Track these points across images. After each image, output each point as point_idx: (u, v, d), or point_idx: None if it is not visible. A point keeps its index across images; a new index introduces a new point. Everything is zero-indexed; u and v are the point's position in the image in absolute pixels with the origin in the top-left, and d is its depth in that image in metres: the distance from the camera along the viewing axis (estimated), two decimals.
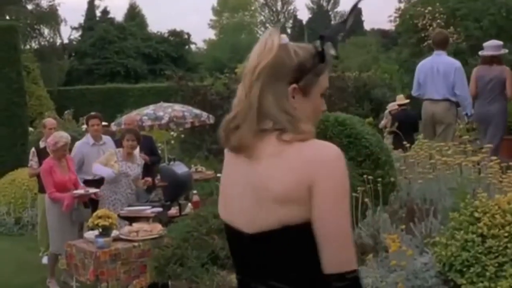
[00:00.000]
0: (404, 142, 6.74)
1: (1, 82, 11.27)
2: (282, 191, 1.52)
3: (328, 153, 1.55)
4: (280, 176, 1.53)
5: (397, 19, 26.40)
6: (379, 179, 4.59)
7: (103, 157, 6.78)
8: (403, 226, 3.89)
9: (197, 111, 11.04)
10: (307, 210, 1.51)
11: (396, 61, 25.89)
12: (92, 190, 6.64)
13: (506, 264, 3.38)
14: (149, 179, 6.82)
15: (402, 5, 26.61)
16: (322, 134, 4.94)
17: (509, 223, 3.51)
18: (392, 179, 4.95)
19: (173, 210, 6.73)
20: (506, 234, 3.48)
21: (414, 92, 7.56)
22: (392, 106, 12.12)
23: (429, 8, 24.28)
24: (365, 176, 4.56)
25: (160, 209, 6.23)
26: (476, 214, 3.62)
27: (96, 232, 5.50)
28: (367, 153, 4.99)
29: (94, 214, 5.54)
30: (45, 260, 7.74)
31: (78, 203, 6.63)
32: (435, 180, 4.71)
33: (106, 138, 7.67)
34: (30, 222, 9.71)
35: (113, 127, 10.07)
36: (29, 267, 7.82)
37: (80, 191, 6.54)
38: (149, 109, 10.37)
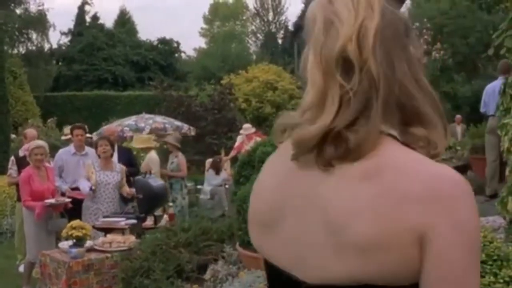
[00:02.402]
0: None
1: None
2: (373, 234, 0.99)
3: (454, 183, 1.02)
4: (392, 204, 1.00)
5: None
6: None
7: (86, 172, 6.93)
8: None
9: (178, 123, 11.20)
10: (407, 264, 1.00)
11: None
12: (62, 199, 6.75)
13: None
14: (133, 190, 6.94)
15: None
16: (249, 163, 4.98)
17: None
18: None
19: (149, 222, 6.86)
20: None
21: (481, 109, 8.47)
22: None
23: (417, 23, 24.64)
24: None
25: (134, 221, 6.36)
26: None
27: (70, 242, 5.61)
28: None
29: (69, 224, 5.66)
30: (21, 268, 7.78)
31: (52, 212, 6.74)
32: None
33: (89, 150, 7.79)
34: (9, 230, 9.75)
35: (95, 137, 10.18)
36: (6, 274, 7.89)
37: (51, 200, 6.65)
38: (130, 120, 10.51)
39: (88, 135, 8.60)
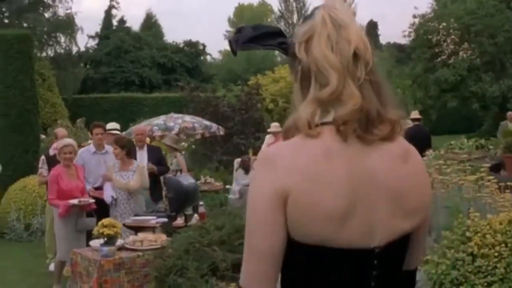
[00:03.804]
0: None
1: (15, 89, 11.42)
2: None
3: None
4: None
5: (411, 34, 26.39)
6: None
7: (108, 172, 6.91)
8: None
9: (207, 123, 11.11)
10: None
11: (409, 76, 25.80)
12: (85, 200, 6.71)
13: (495, 284, 3.38)
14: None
15: (416, 20, 26.57)
16: None
17: (499, 243, 3.50)
18: None
19: (180, 221, 6.77)
20: (496, 254, 3.48)
21: None
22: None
23: (444, 23, 24.25)
24: None
25: (165, 220, 6.28)
26: (468, 234, 3.62)
27: (101, 240, 5.55)
28: None
29: (100, 223, 5.60)
30: (51, 267, 7.77)
31: (81, 212, 6.72)
32: (433, 197, 4.67)
33: (109, 148, 7.72)
34: (39, 229, 9.75)
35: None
36: (36, 273, 7.88)
37: (74, 201, 6.62)
38: (159, 120, 10.46)
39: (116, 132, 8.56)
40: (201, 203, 7.10)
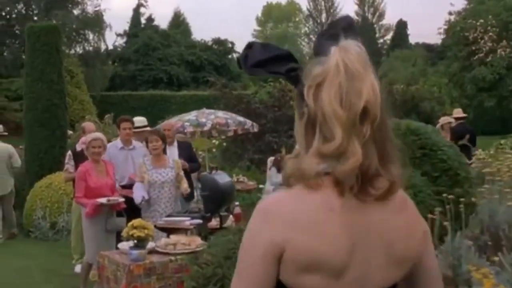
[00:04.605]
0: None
1: (42, 83, 11.01)
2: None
3: None
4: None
5: (446, 31, 25.67)
6: (460, 199, 3.93)
7: (138, 173, 6.39)
8: (494, 258, 3.24)
9: (241, 119, 10.62)
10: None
11: (445, 74, 25.14)
12: (114, 199, 6.25)
13: None
14: (188, 189, 6.40)
15: (452, 17, 25.83)
16: None
17: None
18: (473, 199, 4.27)
19: (214, 222, 6.27)
20: None
21: None
22: (444, 120, 11.54)
23: (481, 20, 23.50)
24: (443, 195, 3.92)
25: (199, 221, 5.78)
26: None
27: (130, 243, 5.08)
28: (444, 167, 4.32)
29: (130, 224, 5.11)
30: (77, 268, 7.45)
31: (111, 211, 6.29)
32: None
33: (136, 144, 7.28)
34: (65, 227, 9.47)
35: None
36: (61, 274, 7.54)
37: (102, 199, 6.17)
38: (191, 115, 9.99)
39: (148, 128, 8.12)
40: (236, 203, 6.62)
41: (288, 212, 1.28)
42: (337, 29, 1.37)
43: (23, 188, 10.67)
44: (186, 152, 7.53)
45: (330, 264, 1.26)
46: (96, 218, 6.23)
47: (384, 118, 1.28)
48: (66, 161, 7.46)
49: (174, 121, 9.53)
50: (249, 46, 1.45)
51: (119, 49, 42.14)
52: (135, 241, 5.00)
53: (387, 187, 1.29)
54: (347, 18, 1.43)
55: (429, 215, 3.35)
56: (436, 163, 4.27)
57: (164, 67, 38.55)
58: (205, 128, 9.70)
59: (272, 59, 1.41)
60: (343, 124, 1.23)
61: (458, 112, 11.33)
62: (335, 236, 1.27)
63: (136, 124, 7.62)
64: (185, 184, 6.38)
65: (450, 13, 25.87)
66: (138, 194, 6.14)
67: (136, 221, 5.14)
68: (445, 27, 25.86)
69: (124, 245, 5.26)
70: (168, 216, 6.00)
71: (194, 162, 7.69)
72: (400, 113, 17.09)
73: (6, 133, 10.56)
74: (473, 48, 23.95)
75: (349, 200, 1.28)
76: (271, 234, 1.27)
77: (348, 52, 1.28)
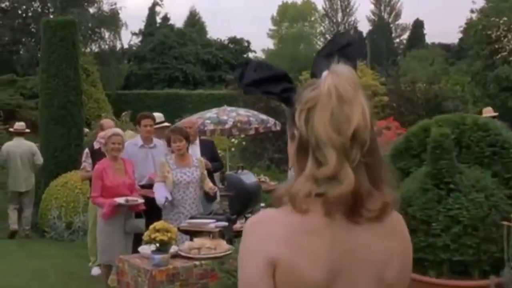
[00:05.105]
0: None
1: (58, 79, 10.70)
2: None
3: None
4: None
5: (466, 30, 25.16)
6: None
7: (159, 171, 6.04)
8: None
9: (264, 117, 10.27)
10: None
11: (467, 73, 24.68)
12: (133, 199, 5.92)
13: None
14: (215, 187, 6.06)
15: (473, 16, 25.33)
16: (457, 140, 3.96)
17: None
18: None
19: (238, 224, 5.92)
20: None
21: None
22: None
23: (504, 18, 22.93)
24: None
25: (225, 223, 5.42)
26: None
27: (152, 247, 4.74)
28: None
29: (151, 226, 4.77)
30: (94, 271, 7.19)
31: (129, 212, 5.97)
32: None
33: (157, 142, 6.95)
34: (81, 227, 9.23)
35: None
36: (77, 277, 7.26)
37: (121, 199, 5.84)
38: (212, 113, 9.64)
39: (167, 124, 7.80)
40: (262, 204, 6.26)
41: (278, 230, 1.30)
42: (334, 47, 1.43)
43: (38, 187, 10.44)
44: (209, 150, 7.18)
45: (310, 284, 1.28)
46: (114, 219, 5.92)
47: (374, 141, 1.31)
48: (83, 159, 7.15)
49: (194, 118, 9.19)
50: (245, 63, 1.49)
51: (134, 48, 42.00)
52: (157, 244, 4.67)
53: (380, 207, 1.30)
54: (347, 36, 1.48)
55: (504, 222, 2.97)
56: (508, 163, 3.85)
57: (180, 65, 38.28)
58: (226, 126, 9.35)
59: (266, 79, 1.44)
60: (337, 148, 1.25)
61: (489, 111, 10.82)
62: (318, 257, 1.28)
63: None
64: (209, 183, 6.04)
65: (472, 11, 25.39)
66: (161, 194, 5.79)
67: (158, 224, 4.81)
68: (466, 25, 25.39)
69: (145, 249, 4.94)
70: (192, 218, 5.65)
71: (217, 162, 7.34)
72: (423, 112, 16.70)
73: (28, 130, 10.49)
74: (496, 46, 23.46)
75: (338, 221, 1.29)
76: (265, 248, 1.29)
77: (339, 77, 1.28)
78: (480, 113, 11.05)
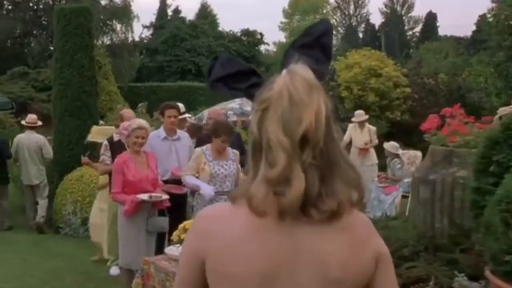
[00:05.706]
0: None
1: (72, 69, 10.22)
2: (356, 270, 1.35)
3: None
4: (364, 252, 1.37)
5: (488, 19, 24.58)
6: None
7: (192, 163, 5.60)
8: None
9: None
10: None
11: (488, 64, 24.12)
12: (157, 195, 5.49)
13: None
14: None
15: (494, 5, 24.73)
16: (506, 143, 3.42)
17: None
18: None
19: None
20: None
21: None
22: (503, 111, 10.60)
23: None
24: None
25: None
26: None
27: (179, 248, 4.31)
28: None
29: (181, 226, 4.35)
30: (113, 271, 6.77)
31: (153, 209, 5.54)
32: None
33: (181, 133, 6.50)
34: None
35: (193, 122, 8.94)
36: (95, 277, 6.84)
37: (144, 196, 5.40)
38: (235, 103, 9.18)
39: (188, 115, 7.33)
40: None
41: (216, 227, 1.32)
42: (309, 38, 1.42)
43: (51, 181, 10.04)
44: (236, 143, 6.71)
45: (241, 284, 1.29)
46: (136, 217, 5.49)
47: (331, 141, 1.29)
48: (102, 151, 6.68)
49: (218, 109, 8.73)
50: (214, 59, 1.48)
51: (145, 41, 41.67)
52: None
53: (333, 209, 1.28)
54: (324, 23, 1.46)
55: None
56: None
57: (192, 58, 37.91)
58: (250, 117, 8.89)
59: (232, 75, 1.43)
60: (286, 150, 1.24)
61: None
62: (252, 257, 1.29)
63: None
64: (244, 178, 5.61)
65: (492, 1, 24.82)
66: (209, 188, 5.39)
67: (188, 223, 4.41)
68: (484, 16, 24.84)
69: (173, 250, 4.52)
70: None
71: (245, 155, 6.88)
72: (446, 104, 16.19)
73: (40, 123, 10.26)
74: None
75: (288, 222, 1.29)
76: (194, 242, 1.36)
77: (293, 78, 1.28)
78: (508, 104, 10.58)
